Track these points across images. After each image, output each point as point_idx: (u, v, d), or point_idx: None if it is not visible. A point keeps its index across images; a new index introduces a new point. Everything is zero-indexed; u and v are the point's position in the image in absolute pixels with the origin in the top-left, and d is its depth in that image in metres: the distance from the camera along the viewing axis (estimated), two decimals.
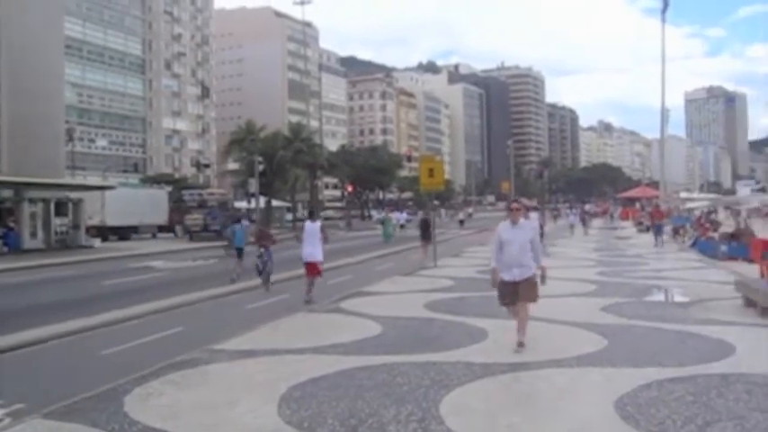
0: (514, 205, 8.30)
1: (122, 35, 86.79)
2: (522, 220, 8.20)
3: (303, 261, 13.66)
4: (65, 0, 70.00)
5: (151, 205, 42.79)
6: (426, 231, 21.68)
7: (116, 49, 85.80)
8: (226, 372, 7.40)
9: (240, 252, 17.79)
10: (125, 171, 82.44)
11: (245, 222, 20.69)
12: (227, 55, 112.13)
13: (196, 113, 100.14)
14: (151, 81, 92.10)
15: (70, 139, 55.97)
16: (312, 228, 13.69)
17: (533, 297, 8.08)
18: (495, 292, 13.11)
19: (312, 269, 13.51)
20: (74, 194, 34.34)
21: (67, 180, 45.70)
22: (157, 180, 66.50)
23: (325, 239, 13.78)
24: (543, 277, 8.18)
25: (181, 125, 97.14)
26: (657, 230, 28.12)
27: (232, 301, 14.09)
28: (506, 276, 8.02)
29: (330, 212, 78.72)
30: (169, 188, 54.93)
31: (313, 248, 13.52)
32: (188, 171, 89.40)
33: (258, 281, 15.98)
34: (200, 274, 20.81)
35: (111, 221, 38.54)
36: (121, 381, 6.91)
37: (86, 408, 6.06)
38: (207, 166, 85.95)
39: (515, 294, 7.97)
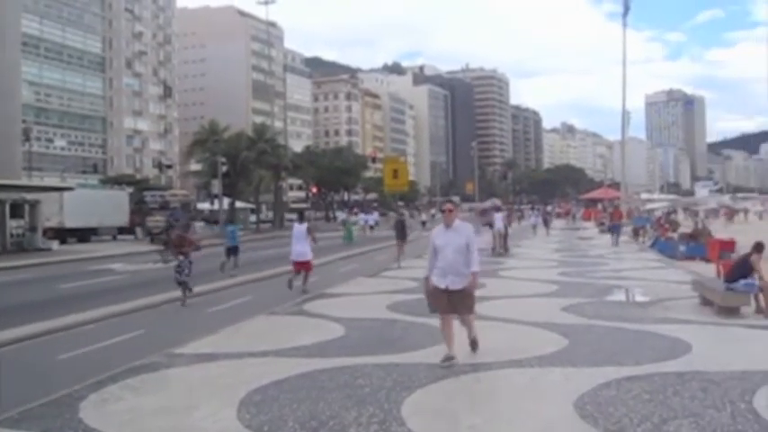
0: (447, 206, 7.64)
1: (81, 33, 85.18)
2: (457, 222, 7.44)
3: (292, 260, 14.77)
4: None
5: (111, 207, 42.00)
6: (401, 231, 22.60)
7: (75, 47, 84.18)
8: (185, 376, 7.30)
9: (236, 250, 19.84)
10: (84, 172, 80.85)
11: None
12: (189, 54, 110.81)
13: (158, 113, 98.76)
14: (111, 80, 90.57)
15: (27, 138, 54.70)
16: (300, 229, 14.85)
17: (469, 307, 7.42)
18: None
19: (301, 267, 14.67)
20: (30, 196, 33.52)
21: (24, 181, 44.67)
22: (118, 181, 65.34)
23: (313, 239, 14.96)
24: (473, 284, 7.42)
25: (142, 125, 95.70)
26: (615, 230, 29.56)
27: (193, 304, 13.90)
28: (440, 283, 7.32)
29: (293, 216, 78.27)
30: (130, 189, 54.01)
31: (302, 248, 14.64)
32: (150, 172, 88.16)
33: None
34: (161, 276, 20.46)
35: (70, 223, 37.74)
36: (77, 386, 6.76)
37: (40, 415, 5.92)
38: (169, 166, 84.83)
39: (449, 304, 7.26)
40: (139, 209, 42.84)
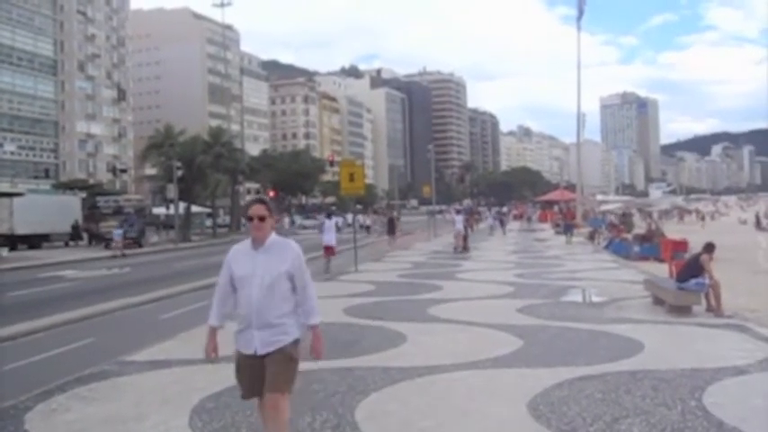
0: (256, 210, 4.33)
1: (32, 35, 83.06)
2: (273, 237, 4.40)
3: (324, 245, 19.65)
4: None
5: (63, 212, 41.00)
6: (392, 227, 29.88)
7: (25, 49, 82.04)
8: (136, 384, 7.14)
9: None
10: (36, 177, 78.70)
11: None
12: (144, 57, 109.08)
13: (112, 117, 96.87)
14: (63, 83, 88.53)
15: None
16: (329, 224, 20.51)
17: (284, 384, 4.38)
18: (417, 296, 13.38)
19: (329, 251, 19.47)
20: None
21: None
22: (70, 186, 63.78)
23: (338, 230, 20.74)
24: (317, 349, 4.61)
25: (96, 129, 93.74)
26: (568, 230, 32.29)
27: (147, 311, 13.63)
28: (243, 345, 4.42)
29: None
30: (83, 194, 52.85)
31: (330, 236, 19.74)
32: (104, 177, 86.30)
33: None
34: (114, 283, 20.06)
35: (21, 230, 36.75)
36: (23, 397, 6.57)
37: None
38: (123, 171, 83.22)
39: (259, 379, 4.37)
40: (92, 214, 41.93)
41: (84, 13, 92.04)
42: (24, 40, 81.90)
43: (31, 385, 7.07)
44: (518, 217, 60.31)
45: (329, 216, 22.34)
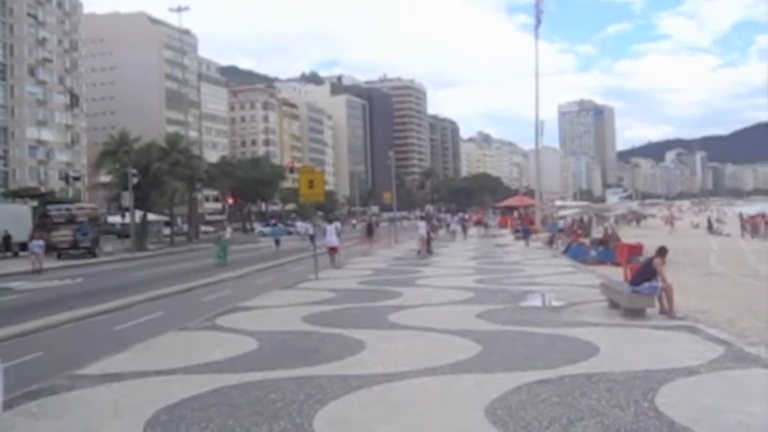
0: None
1: None
2: None
3: (326, 246, 23.24)
4: None
5: (13, 221, 39.90)
6: (370, 231, 35.14)
7: None
8: (88, 398, 6.95)
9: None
10: None
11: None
12: (98, 62, 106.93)
13: (64, 123, 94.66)
14: (13, 88, 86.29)
15: None
16: (330, 228, 24.33)
17: None
18: (377, 303, 13.35)
19: (333, 250, 23.13)
20: None
21: None
22: (21, 194, 62.16)
23: (338, 234, 24.98)
24: None
25: (47, 135, 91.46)
26: (526, 234, 34.22)
27: (100, 322, 13.31)
28: None
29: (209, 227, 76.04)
30: (34, 203, 51.53)
31: (332, 238, 23.49)
32: (56, 184, 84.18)
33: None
34: (66, 293, 19.57)
35: None
36: None
37: None
38: (77, 179, 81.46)
39: None
40: (43, 223, 40.85)
41: (34, 17, 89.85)
42: None
43: None
44: (477, 223, 60.76)
45: (330, 221, 28.46)
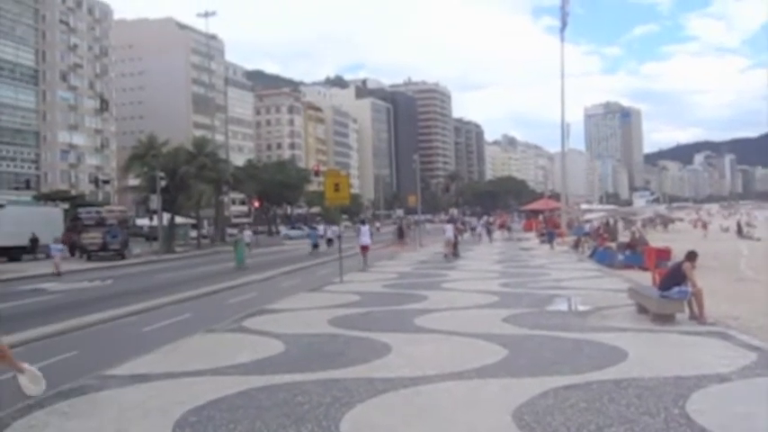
0: None
1: (13, 44, 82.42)
2: None
3: (360, 245, 24.91)
4: None
5: (45, 224, 40.55)
6: (401, 233, 39.47)
7: (6, 59, 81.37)
8: (117, 398, 7.04)
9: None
10: (16, 188, 77.92)
11: None
12: (127, 67, 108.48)
13: (94, 127, 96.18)
14: (45, 93, 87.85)
15: None
16: (364, 228, 26.73)
17: None
18: (402, 306, 13.35)
19: (365, 249, 24.63)
20: None
21: None
22: (52, 197, 63.23)
23: (371, 235, 27.84)
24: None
25: (78, 139, 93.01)
26: (550, 237, 34.42)
27: (129, 324, 13.48)
28: None
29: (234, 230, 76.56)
30: (65, 206, 52.36)
31: (366, 238, 25.21)
32: (86, 188, 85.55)
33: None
34: (96, 295, 19.86)
35: (1, 241, 36.34)
36: (1, 413, 6.44)
37: None
38: (106, 182, 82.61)
39: None
40: (74, 226, 41.53)
41: (66, 23, 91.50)
42: (5, 50, 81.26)
43: (9, 401, 6.94)
44: (500, 226, 60.48)
45: (363, 222, 31.76)
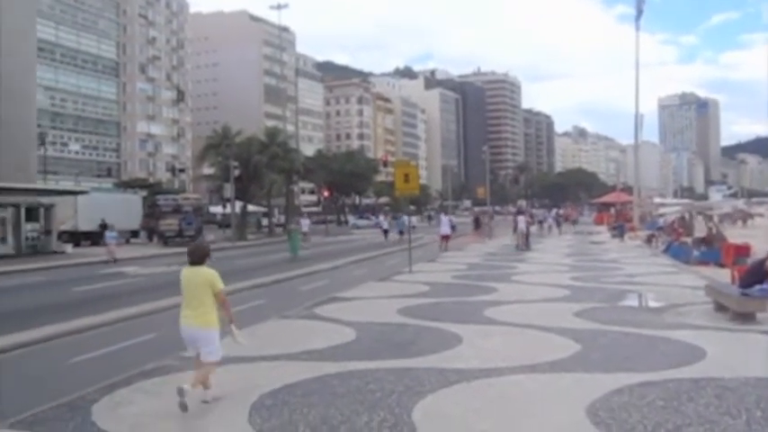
0: None
1: (96, 38, 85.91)
2: None
3: (441, 234, 29.05)
4: (37, 2, 69.20)
5: (125, 210, 42.25)
6: (478, 223, 41.73)
7: (89, 52, 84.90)
8: None
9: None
10: (98, 176, 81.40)
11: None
12: (202, 59, 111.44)
13: (171, 117, 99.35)
14: (125, 84, 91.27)
15: (42, 143, 55.18)
16: (445, 218, 30.92)
17: None
18: (472, 297, 13.33)
19: (445, 238, 28.61)
20: (45, 199, 33.84)
21: (39, 185, 45.02)
22: (131, 185, 65.76)
23: (452, 225, 31.37)
24: None
25: (156, 129, 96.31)
26: (620, 229, 34.84)
27: None
28: None
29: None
30: (143, 193, 54.32)
31: (446, 228, 29.30)
32: (163, 176, 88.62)
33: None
34: (174, 279, 20.50)
35: (84, 227, 38.03)
36: (90, 389, 6.79)
37: (53, 417, 5.96)
38: (182, 170, 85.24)
39: None
40: (152, 212, 43.09)
41: (145, 17, 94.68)
42: (89, 44, 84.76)
43: (96, 378, 7.32)
44: (565, 219, 59.35)
45: (444, 213, 34.96)
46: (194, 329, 6.54)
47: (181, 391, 5.97)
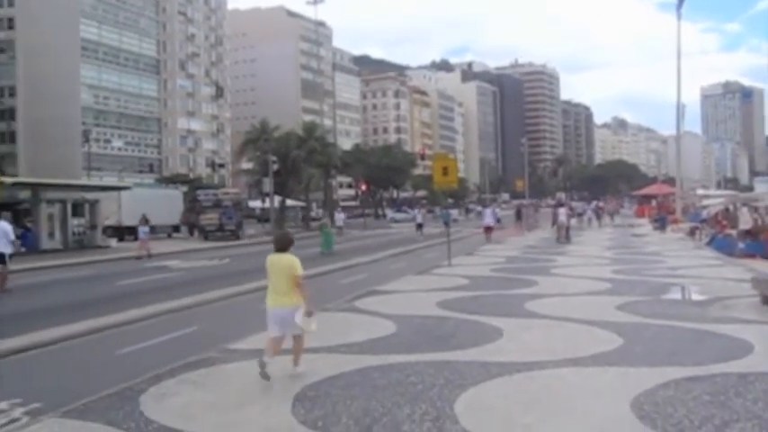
0: None
1: (137, 36, 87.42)
2: None
3: (484, 225, 31.21)
4: (80, 2, 70.76)
5: (166, 205, 42.98)
6: (519, 215, 40.78)
7: (131, 50, 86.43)
8: (241, 371, 7.41)
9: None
10: (141, 171, 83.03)
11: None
12: (240, 55, 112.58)
13: (210, 113, 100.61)
14: (166, 81, 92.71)
15: (86, 140, 56.39)
16: (488, 211, 33.31)
17: None
18: (512, 290, 13.26)
19: (488, 230, 30.27)
20: (90, 195, 34.60)
21: (84, 181, 46.07)
22: (173, 180, 66.96)
23: (496, 217, 32.69)
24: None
25: (195, 125, 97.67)
26: (662, 221, 35.03)
27: (246, 301, 14.10)
28: None
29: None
30: (184, 188, 55.17)
31: (489, 219, 31.50)
32: (203, 171, 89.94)
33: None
34: (215, 273, 20.89)
35: (127, 221, 38.77)
36: (137, 380, 6.95)
37: (103, 407, 6.10)
38: (222, 165, 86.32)
39: None
40: (193, 207, 43.74)
41: (184, 14, 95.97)
42: (130, 42, 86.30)
43: (143, 369, 7.49)
44: (602, 212, 58.49)
45: (486, 206, 36.34)
46: (287, 310, 7.09)
47: (262, 364, 6.67)
